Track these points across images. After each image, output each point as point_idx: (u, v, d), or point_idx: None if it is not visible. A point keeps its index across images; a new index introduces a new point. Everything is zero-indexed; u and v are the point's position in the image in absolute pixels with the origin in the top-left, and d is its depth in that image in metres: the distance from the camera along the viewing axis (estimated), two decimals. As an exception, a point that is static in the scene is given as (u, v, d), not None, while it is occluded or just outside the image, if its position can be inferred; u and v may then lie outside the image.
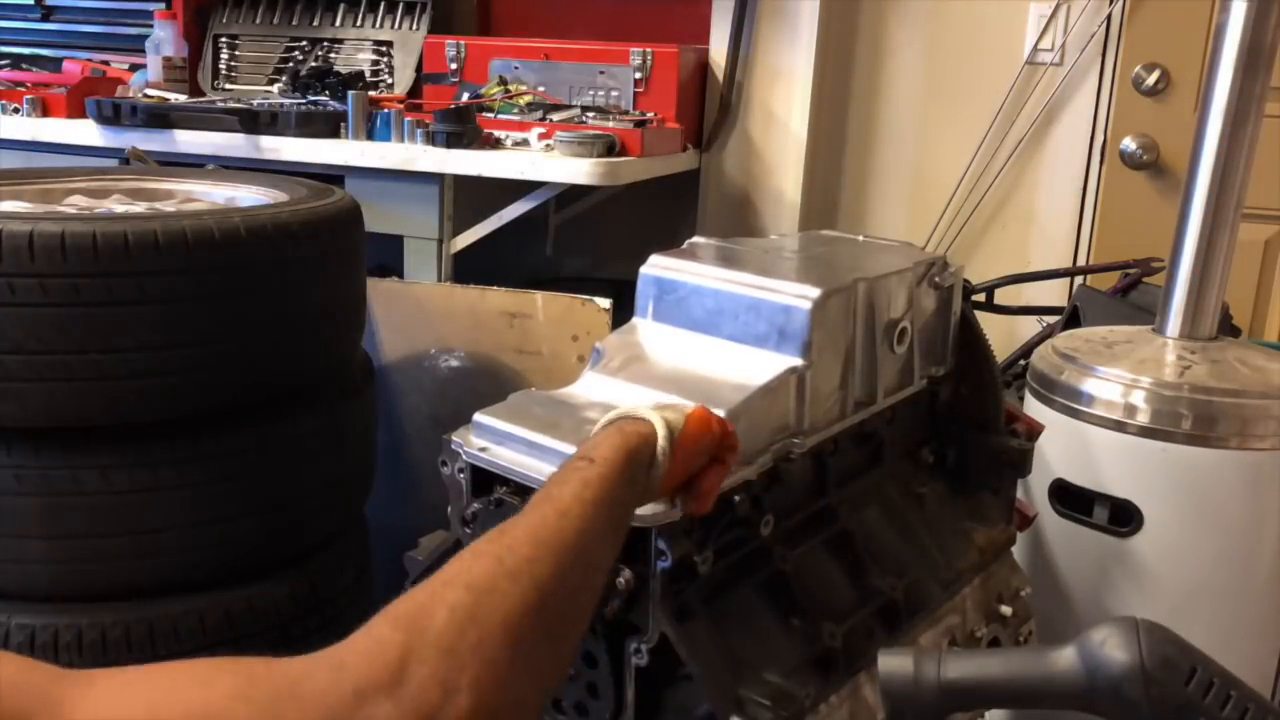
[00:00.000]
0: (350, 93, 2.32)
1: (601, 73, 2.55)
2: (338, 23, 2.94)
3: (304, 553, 1.57)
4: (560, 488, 0.76)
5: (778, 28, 2.59)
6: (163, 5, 2.97)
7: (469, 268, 2.31)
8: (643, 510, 0.86)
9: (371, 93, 2.53)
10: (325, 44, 2.93)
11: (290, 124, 2.29)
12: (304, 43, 2.95)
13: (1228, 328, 1.79)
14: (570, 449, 0.91)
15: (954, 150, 2.59)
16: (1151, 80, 2.42)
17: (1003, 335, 2.31)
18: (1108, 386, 1.45)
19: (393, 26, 2.88)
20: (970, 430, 1.30)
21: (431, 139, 2.20)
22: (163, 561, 1.43)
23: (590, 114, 2.39)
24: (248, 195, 1.76)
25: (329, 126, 2.31)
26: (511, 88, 2.50)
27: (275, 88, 2.81)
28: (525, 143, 2.27)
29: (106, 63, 3.00)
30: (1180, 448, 1.40)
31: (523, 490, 0.93)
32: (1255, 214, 1.90)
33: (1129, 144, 2.46)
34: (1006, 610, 1.27)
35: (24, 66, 2.99)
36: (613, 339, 1.11)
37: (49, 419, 1.37)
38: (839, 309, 1.06)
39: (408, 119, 2.25)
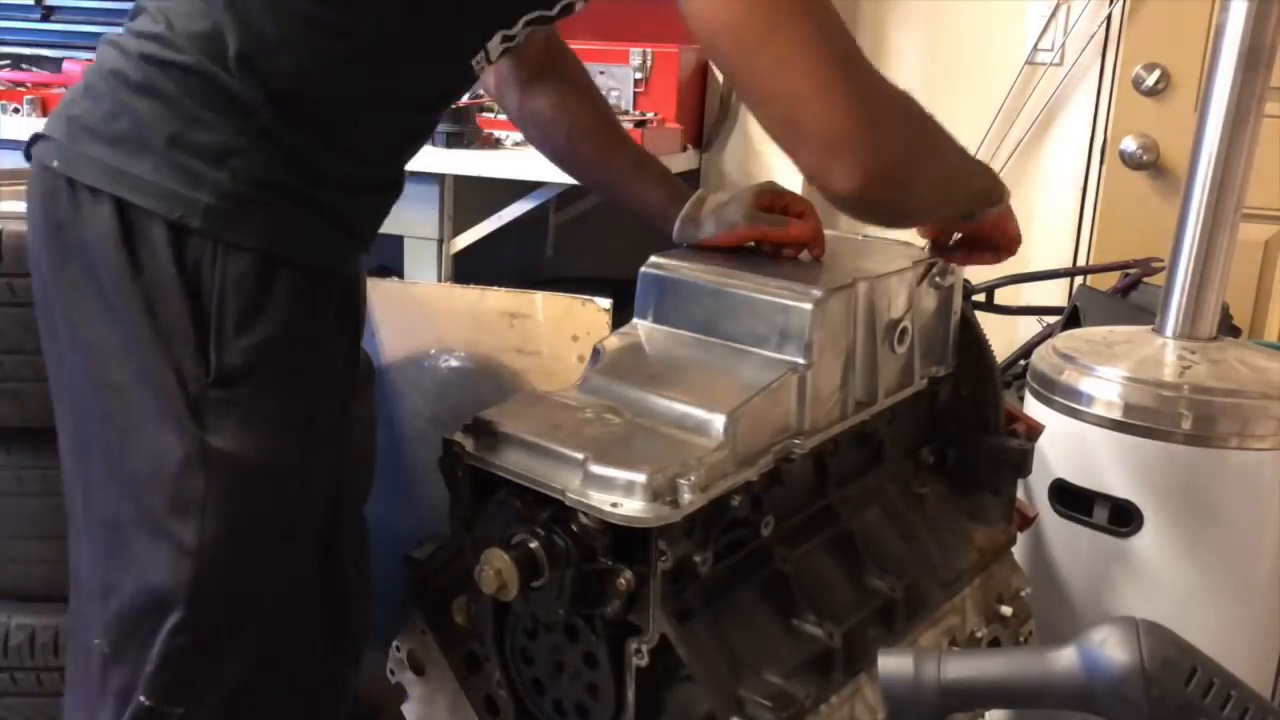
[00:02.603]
0: (350, 93, 2.32)
1: (601, 73, 2.55)
2: (338, 23, 2.94)
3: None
4: None
5: (778, 28, 2.59)
6: (163, 5, 2.97)
7: (469, 268, 2.31)
8: (643, 511, 0.86)
9: (371, 93, 2.53)
10: (325, 44, 2.93)
11: (290, 124, 2.29)
12: (304, 43, 2.95)
13: (1228, 328, 1.80)
14: (570, 451, 0.91)
15: (954, 150, 2.58)
16: (1151, 80, 2.42)
17: (1003, 335, 2.31)
18: (1108, 386, 1.45)
19: (393, 26, 2.88)
20: (970, 430, 1.30)
21: (431, 139, 2.20)
22: (163, 562, 1.43)
23: (590, 114, 2.38)
24: (248, 195, 1.75)
25: (329, 127, 2.31)
26: (511, 88, 2.50)
27: (275, 88, 2.80)
28: (525, 143, 2.27)
29: (106, 63, 2.99)
30: (1180, 448, 1.40)
31: (523, 492, 0.93)
32: (1255, 214, 1.90)
33: (1129, 144, 2.46)
34: (1006, 610, 1.27)
35: (24, 66, 2.99)
36: (613, 339, 1.10)
37: (49, 419, 1.37)
38: (840, 309, 1.06)
39: (408, 119, 2.25)
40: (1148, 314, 1.68)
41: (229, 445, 0.92)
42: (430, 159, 2.20)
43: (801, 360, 1.02)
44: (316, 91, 0.94)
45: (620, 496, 0.87)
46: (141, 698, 0.95)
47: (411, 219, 2.25)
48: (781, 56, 0.85)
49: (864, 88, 0.89)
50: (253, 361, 0.93)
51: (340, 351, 1.03)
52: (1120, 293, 2.08)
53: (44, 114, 2.51)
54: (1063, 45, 2.50)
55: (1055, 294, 2.45)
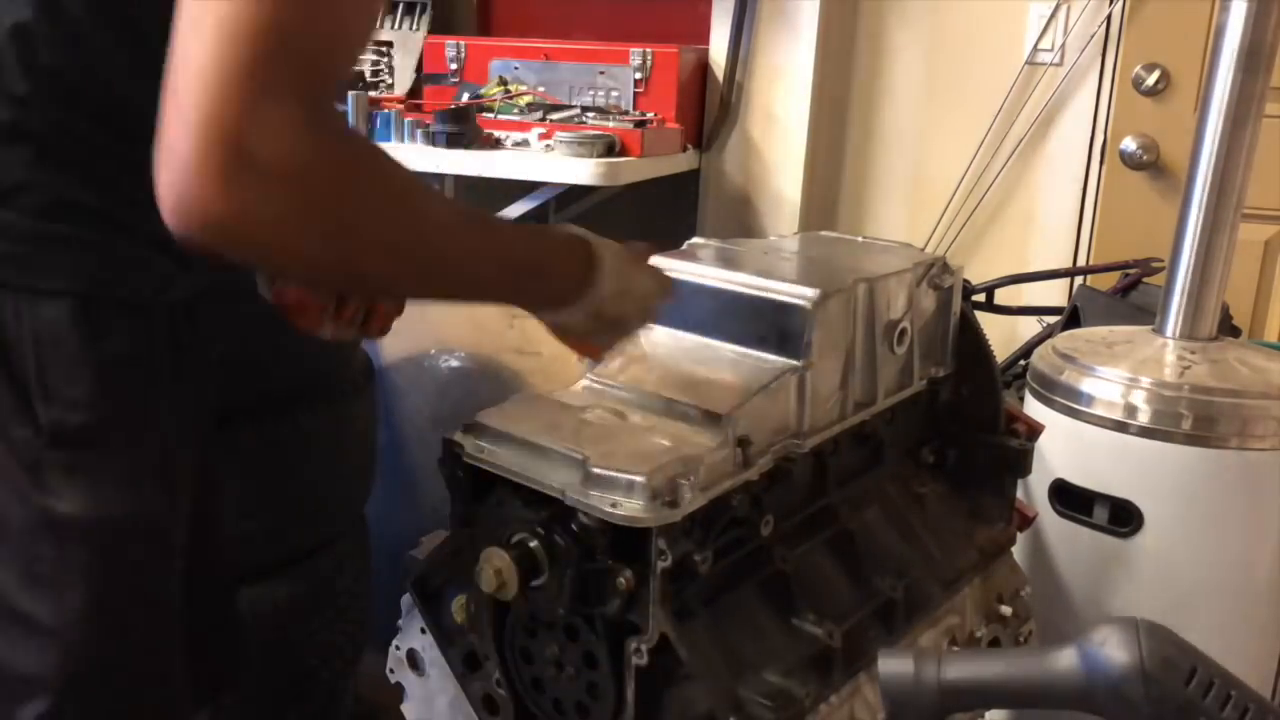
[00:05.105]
0: (350, 93, 2.32)
1: (601, 73, 2.55)
2: (338, 23, 2.93)
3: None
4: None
5: (778, 28, 2.59)
6: (163, 5, 2.97)
7: (469, 268, 2.30)
8: (643, 511, 0.86)
9: (371, 93, 2.53)
10: (325, 44, 2.93)
11: (290, 124, 2.29)
12: (304, 43, 2.95)
13: (1228, 328, 1.80)
14: (570, 451, 0.91)
15: (954, 150, 2.58)
16: (1151, 80, 2.42)
17: (1003, 335, 2.31)
18: (1108, 386, 1.45)
19: (393, 26, 2.88)
20: (970, 430, 1.30)
21: (431, 139, 2.21)
22: (163, 562, 1.43)
23: (590, 114, 2.39)
24: (248, 195, 1.75)
25: (329, 127, 2.31)
26: (511, 88, 2.51)
27: (275, 88, 2.80)
28: (525, 143, 2.27)
29: (106, 63, 2.99)
30: (1180, 448, 1.40)
31: (522, 491, 0.93)
32: (1255, 214, 1.90)
33: (1129, 144, 2.46)
34: (1006, 610, 1.28)
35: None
36: (613, 339, 1.10)
37: None
38: (839, 310, 1.06)
39: (408, 119, 2.26)
40: (1148, 314, 1.68)
41: (78, 509, 0.85)
42: (430, 159, 2.20)
43: (801, 361, 1.02)
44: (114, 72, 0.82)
45: (620, 496, 0.87)
46: None
47: (411, 219, 2.25)
48: None
49: None
50: (94, 417, 0.85)
51: (189, 386, 0.95)
52: (1120, 293, 2.08)
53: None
54: (1063, 45, 2.50)
55: (1055, 294, 2.45)
